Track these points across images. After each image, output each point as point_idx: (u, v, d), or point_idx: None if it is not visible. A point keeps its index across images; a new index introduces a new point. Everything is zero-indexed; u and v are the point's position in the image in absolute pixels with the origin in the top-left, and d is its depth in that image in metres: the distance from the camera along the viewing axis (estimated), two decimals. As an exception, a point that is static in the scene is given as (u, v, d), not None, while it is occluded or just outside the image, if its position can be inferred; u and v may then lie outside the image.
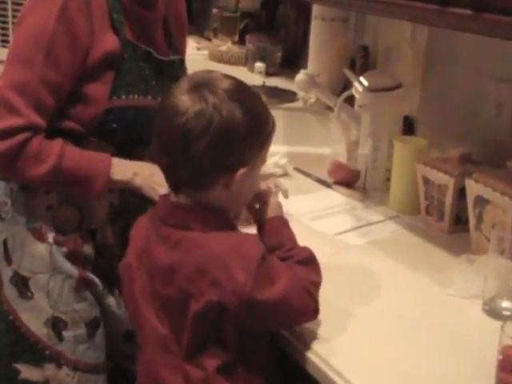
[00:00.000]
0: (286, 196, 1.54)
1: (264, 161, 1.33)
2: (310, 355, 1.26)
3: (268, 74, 2.85)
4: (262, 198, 1.39)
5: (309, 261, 1.31)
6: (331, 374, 1.22)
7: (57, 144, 1.49)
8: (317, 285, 1.29)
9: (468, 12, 1.28)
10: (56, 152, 1.48)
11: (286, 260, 1.29)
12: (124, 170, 1.54)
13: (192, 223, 1.25)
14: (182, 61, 1.72)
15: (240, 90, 1.27)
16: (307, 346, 1.27)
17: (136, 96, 1.56)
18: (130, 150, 1.58)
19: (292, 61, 2.92)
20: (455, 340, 1.31)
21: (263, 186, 1.55)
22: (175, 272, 1.24)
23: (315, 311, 1.28)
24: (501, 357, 1.14)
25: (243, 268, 1.18)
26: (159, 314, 1.29)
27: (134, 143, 1.58)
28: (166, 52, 1.66)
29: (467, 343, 1.30)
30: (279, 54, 2.95)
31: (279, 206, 1.40)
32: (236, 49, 3.14)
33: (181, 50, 1.75)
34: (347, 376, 1.20)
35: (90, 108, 1.53)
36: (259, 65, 2.87)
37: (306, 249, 1.33)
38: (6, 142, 1.45)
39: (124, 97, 1.54)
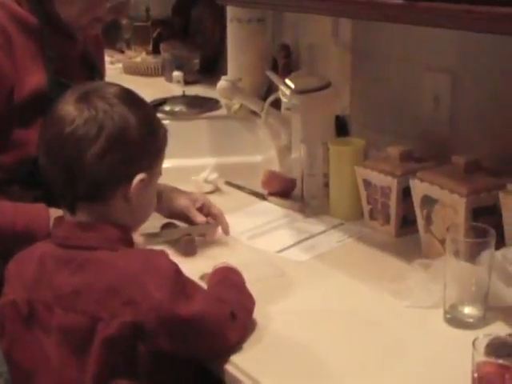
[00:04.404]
0: (226, 232, 1.60)
1: (160, 174, 1.29)
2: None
3: (187, 82, 2.72)
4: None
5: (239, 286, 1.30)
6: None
7: None
8: (245, 307, 1.25)
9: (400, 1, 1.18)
10: None
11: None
12: None
13: (96, 242, 1.20)
14: None
15: (130, 95, 1.25)
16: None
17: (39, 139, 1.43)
18: None
19: (211, 67, 2.81)
20: (419, 354, 1.21)
21: (201, 218, 1.57)
22: (81, 296, 1.16)
23: (236, 335, 1.21)
24: (476, 374, 1.04)
25: (158, 284, 1.14)
26: (60, 350, 1.19)
27: None
28: None
29: (432, 356, 1.21)
30: (197, 61, 2.83)
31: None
32: (151, 59, 3.02)
33: (102, 73, 1.69)
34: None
35: (17, 154, 1.43)
36: (177, 74, 2.74)
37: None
38: None
39: None
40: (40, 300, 1.21)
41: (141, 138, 1.20)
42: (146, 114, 1.25)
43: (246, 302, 1.27)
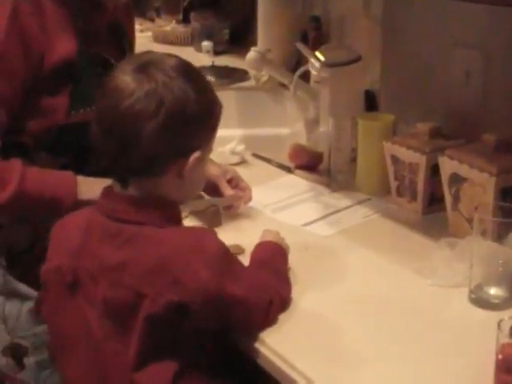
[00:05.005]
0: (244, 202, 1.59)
1: (211, 149, 1.26)
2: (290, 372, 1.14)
3: (216, 52, 2.70)
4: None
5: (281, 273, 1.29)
6: None
7: (16, 166, 1.37)
8: (282, 296, 1.25)
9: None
10: (17, 175, 1.36)
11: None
12: (91, 188, 1.40)
13: (145, 217, 1.17)
14: None
15: (188, 68, 1.21)
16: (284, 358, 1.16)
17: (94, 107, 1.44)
18: (85, 159, 1.46)
19: (241, 37, 2.78)
20: (441, 334, 1.20)
21: (230, 191, 1.57)
22: (127, 270, 1.15)
23: (265, 322, 1.21)
24: (500, 356, 1.03)
25: (206, 264, 1.12)
26: (103, 321, 1.18)
27: (89, 151, 1.45)
28: (116, 53, 1.56)
29: (455, 337, 1.20)
30: (227, 31, 2.82)
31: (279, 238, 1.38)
32: (181, 28, 3.00)
33: (132, 41, 1.68)
34: None
35: (45, 121, 1.43)
36: (206, 43, 2.72)
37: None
38: None
39: (82, 110, 1.43)
40: (85, 269, 1.20)
41: (199, 114, 1.17)
42: (205, 90, 1.20)
43: (284, 292, 1.26)
